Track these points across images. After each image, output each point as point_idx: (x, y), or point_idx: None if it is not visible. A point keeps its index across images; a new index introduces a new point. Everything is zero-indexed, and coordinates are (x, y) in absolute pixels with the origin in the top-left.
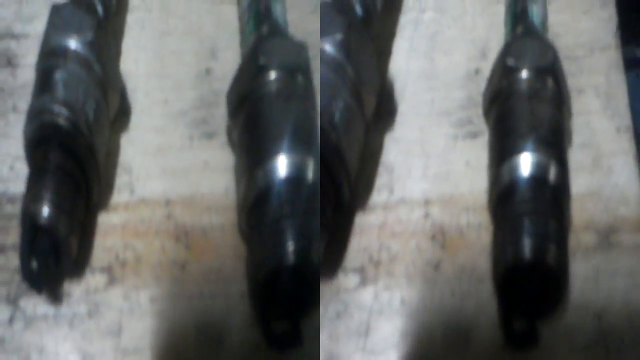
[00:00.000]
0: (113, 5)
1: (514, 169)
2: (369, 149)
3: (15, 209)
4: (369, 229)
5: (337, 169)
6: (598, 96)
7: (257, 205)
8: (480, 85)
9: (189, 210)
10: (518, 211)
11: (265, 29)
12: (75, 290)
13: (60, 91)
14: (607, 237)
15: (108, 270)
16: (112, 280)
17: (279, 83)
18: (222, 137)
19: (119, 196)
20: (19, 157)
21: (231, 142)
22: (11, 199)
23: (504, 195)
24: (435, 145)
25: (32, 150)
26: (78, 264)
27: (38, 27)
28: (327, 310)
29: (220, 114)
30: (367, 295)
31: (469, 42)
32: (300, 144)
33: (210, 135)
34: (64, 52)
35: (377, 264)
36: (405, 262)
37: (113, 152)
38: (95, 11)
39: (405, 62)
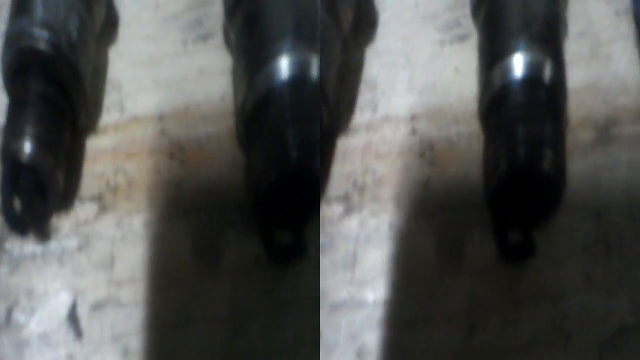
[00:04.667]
0: None
1: (506, 71)
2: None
3: None
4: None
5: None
6: None
7: (257, 111)
8: None
9: (184, 123)
10: (511, 118)
11: None
12: (64, 223)
13: (39, 11)
14: (606, 130)
15: (98, 198)
16: (103, 209)
17: None
18: (218, 38)
19: (108, 116)
20: None
21: (228, 43)
22: None
23: (495, 102)
24: (420, 54)
25: (11, 78)
26: (66, 196)
27: None
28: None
29: (215, 13)
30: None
31: None
32: (302, 42)
33: (205, 38)
34: None
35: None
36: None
37: (101, 68)
38: None
39: None
